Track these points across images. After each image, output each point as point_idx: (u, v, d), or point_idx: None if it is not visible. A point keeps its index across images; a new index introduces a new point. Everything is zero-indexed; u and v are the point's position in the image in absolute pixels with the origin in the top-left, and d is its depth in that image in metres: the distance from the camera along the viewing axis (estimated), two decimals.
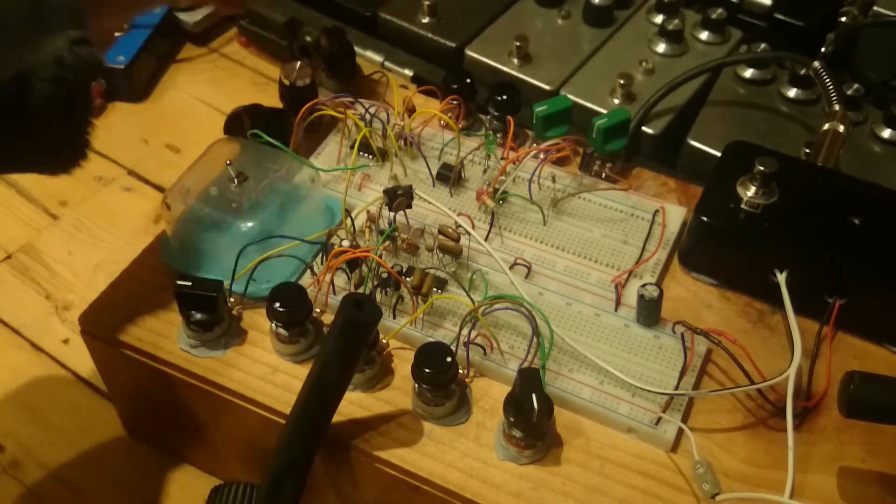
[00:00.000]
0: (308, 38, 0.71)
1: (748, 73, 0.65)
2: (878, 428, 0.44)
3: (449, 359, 0.43)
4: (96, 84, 0.66)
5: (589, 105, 0.63)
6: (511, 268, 0.49)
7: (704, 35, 0.68)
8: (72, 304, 0.63)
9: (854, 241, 0.48)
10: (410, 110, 0.56)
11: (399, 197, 0.48)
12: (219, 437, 0.52)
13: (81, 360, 0.58)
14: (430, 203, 0.51)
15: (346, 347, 0.39)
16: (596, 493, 0.42)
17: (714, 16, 0.67)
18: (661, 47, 0.67)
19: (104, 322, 0.49)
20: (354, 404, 0.45)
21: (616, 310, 0.48)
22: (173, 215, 0.50)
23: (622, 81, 0.63)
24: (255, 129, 0.52)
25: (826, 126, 0.56)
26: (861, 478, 0.43)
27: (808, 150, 0.58)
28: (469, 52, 0.68)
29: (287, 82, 0.58)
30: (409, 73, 0.69)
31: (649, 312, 0.47)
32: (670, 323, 0.47)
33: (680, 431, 0.43)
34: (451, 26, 0.70)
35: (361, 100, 0.56)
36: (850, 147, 0.58)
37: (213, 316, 0.47)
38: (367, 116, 0.55)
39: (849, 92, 0.61)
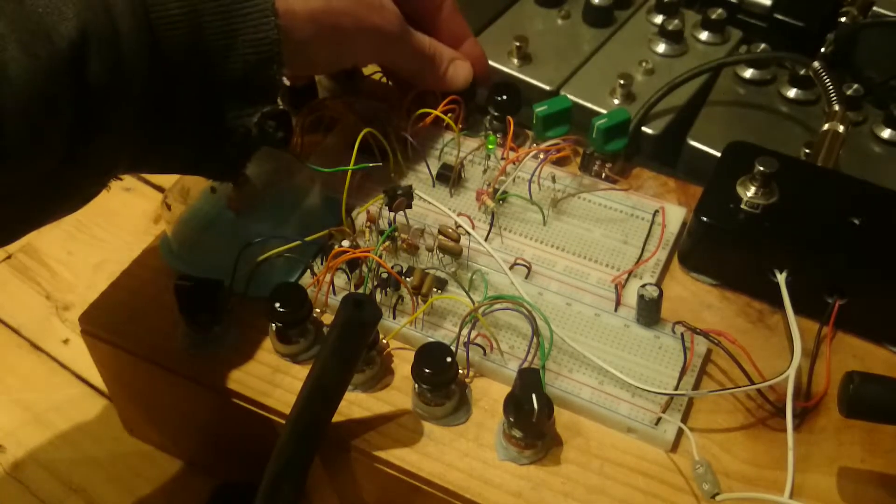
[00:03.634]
0: None
1: (748, 73, 0.65)
2: (878, 428, 0.44)
3: (449, 359, 0.43)
4: None
5: (589, 105, 0.63)
6: (511, 268, 0.49)
7: (704, 35, 0.68)
8: (72, 304, 0.63)
9: (854, 241, 0.48)
10: (410, 110, 0.56)
11: (399, 197, 0.48)
12: (219, 437, 0.52)
13: (81, 360, 0.58)
14: (430, 203, 0.51)
15: (346, 347, 0.39)
16: (596, 493, 0.42)
17: (714, 16, 0.67)
18: (661, 47, 0.67)
19: (104, 322, 0.49)
20: (354, 404, 0.45)
21: (616, 310, 0.48)
22: (173, 215, 0.50)
23: (622, 81, 0.63)
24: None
25: (826, 126, 0.56)
26: (861, 478, 0.43)
27: (808, 150, 0.58)
28: None
29: (287, 82, 0.58)
30: None
31: (649, 312, 0.47)
32: (670, 323, 0.47)
33: (680, 431, 0.43)
34: None
35: (361, 100, 0.56)
36: (850, 147, 0.58)
37: (212, 316, 0.47)
38: (367, 116, 0.55)
39: (849, 92, 0.61)
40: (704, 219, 0.49)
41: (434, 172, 0.54)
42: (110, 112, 0.38)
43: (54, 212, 0.40)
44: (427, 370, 0.43)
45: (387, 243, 0.49)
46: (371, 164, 0.54)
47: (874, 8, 0.67)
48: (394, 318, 0.48)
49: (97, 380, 0.58)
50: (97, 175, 0.40)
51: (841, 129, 0.55)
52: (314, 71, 0.56)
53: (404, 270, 0.48)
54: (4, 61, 0.34)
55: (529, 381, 0.41)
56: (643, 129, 0.61)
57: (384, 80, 0.60)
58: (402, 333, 0.47)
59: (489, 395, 0.46)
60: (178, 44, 0.39)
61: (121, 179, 0.42)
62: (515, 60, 0.66)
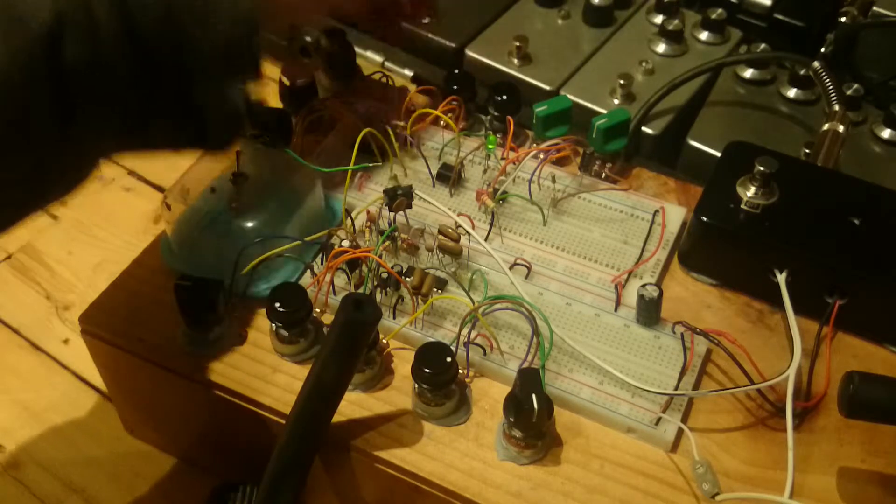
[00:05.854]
0: (308, 38, 0.71)
1: (748, 73, 0.65)
2: (878, 428, 0.44)
3: (449, 359, 0.43)
4: None
5: (589, 105, 0.63)
6: (511, 268, 0.49)
7: (704, 35, 0.68)
8: (72, 304, 0.63)
9: (854, 241, 0.48)
10: (410, 110, 0.56)
11: (399, 197, 0.48)
12: (219, 437, 0.52)
13: (81, 360, 0.58)
14: (430, 203, 0.51)
15: (346, 347, 0.39)
16: (596, 493, 0.42)
17: (714, 16, 0.67)
18: (661, 47, 0.67)
19: (104, 322, 0.49)
20: (354, 404, 0.45)
21: (616, 310, 0.48)
22: (173, 215, 0.50)
23: (622, 81, 0.63)
24: (255, 129, 0.52)
25: (826, 126, 0.56)
26: (861, 478, 0.43)
27: (808, 150, 0.58)
28: (469, 52, 0.68)
29: (287, 82, 0.58)
30: (409, 73, 0.68)
31: (649, 312, 0.47)
32: (670, 323, 0.47)
33: (680, 431, 0.43)
34: (451, 26, 0.70)
35: (361, 100, 0.56)
36: (850, 147, 0.58)
37: (212, 316, 0.47)
38: (367, 116, 0.55)
39: (849, 92, 0.61)
40: (704, 219, 0.49)
41: (434, 172, 0.54)
42: (90, 93, 0.39)
43: (43, 196, 0.41)
44: (427, 370, 0.43)
45: (387, 243, 0.49)
46: (371, 164, 0.54)
47: (874, 8, 0.67)
48: (394, 318, 0.48)
49: (97, 380, 0.58)
50: (81, 155, 0.41)
51: (841, 129, 0.55)
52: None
53: (404, 270, 0.48)
54: None
55: (529, 381, 0.41)
56: (643, 129, 0.61)
57: (384, 80, 0.60)
58: (402, 333, 0.47)
59: (489, 395, 0.46)
60: (154, 22, 0.40)
61: (114, 162, 0.42)
62: (515, 60, 0.66)
